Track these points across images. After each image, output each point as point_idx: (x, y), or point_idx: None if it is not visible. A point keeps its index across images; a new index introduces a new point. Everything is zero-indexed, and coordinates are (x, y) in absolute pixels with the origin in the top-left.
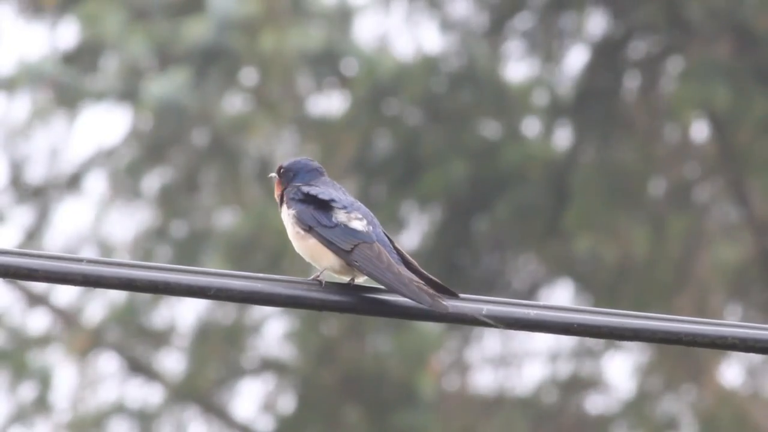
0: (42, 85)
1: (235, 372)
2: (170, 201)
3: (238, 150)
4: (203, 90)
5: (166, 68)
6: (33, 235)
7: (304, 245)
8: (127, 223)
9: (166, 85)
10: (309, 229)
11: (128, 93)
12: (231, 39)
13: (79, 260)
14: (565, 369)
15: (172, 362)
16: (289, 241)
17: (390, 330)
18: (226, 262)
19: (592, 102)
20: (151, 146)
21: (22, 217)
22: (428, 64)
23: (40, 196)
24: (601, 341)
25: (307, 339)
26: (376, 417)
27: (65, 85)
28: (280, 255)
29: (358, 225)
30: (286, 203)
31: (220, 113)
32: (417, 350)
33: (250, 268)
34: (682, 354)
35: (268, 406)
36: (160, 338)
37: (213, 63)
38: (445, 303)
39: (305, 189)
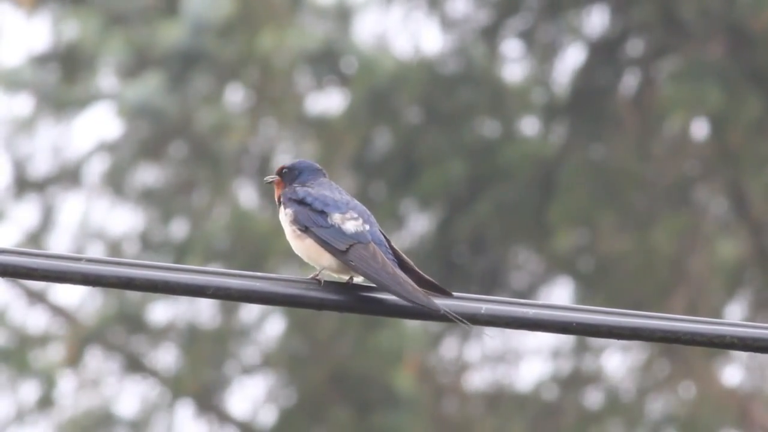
0: (24, 92)
1: (228, 371)
2: (159, 203)
3: (223, 152)
4: (183, 93)
5: (143, 72)
6: (34, 234)
7: (301, 245)
8: (118, 224)
9: (140, 89)
10: (305, 230)
11: (111, 98)
12: (207, 42)
13: (78, 259)
14: (562, 366)
15: (168, 360)
16: (274, 242)
17: (372, 328)
18: (207, 264)
19: (589, 101)
20: (133, 149)
21: (23, 214)
22: (426, 64)
23: (41, 193)
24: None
25: (295, 338)
26: (360, 416)
27: (47, 92)
28: (263, 257)
29: (353, 226)
30: (284, 203)
31: (203, 116)
32: (395, 347)
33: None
34: (680, 351)
35: (262, 404)
36: (155, 336)
37: (192, 66)
38: (438, 303)
39: (301, 192)
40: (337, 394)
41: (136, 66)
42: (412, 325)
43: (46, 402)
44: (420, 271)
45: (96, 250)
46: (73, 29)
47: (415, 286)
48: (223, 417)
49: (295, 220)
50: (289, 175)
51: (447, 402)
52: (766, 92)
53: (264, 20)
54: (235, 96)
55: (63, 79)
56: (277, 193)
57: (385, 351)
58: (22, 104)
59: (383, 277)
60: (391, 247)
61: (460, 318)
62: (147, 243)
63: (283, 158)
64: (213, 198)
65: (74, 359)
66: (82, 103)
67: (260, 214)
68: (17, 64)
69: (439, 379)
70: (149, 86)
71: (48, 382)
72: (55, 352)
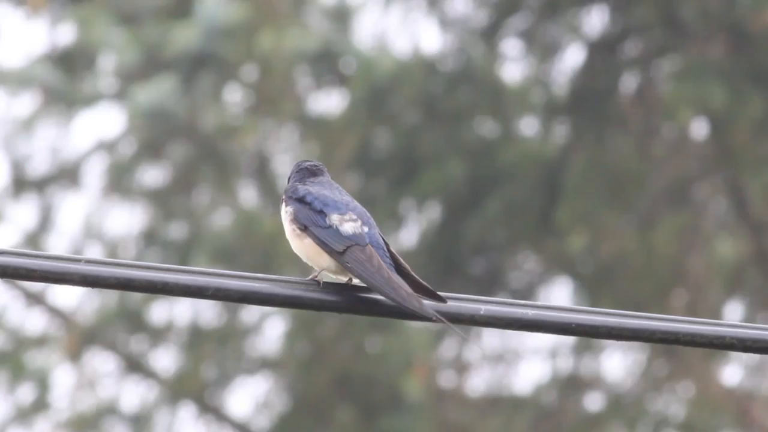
0: (32, 89)
1: (230, 371)
2: (162, 203)
3: (229, 153)
4: (192, 95)
5: (154, 74)
6: (33, 234)
7: (300, 244)
8: (119, 224)
9: (152, 92)
10: (305, 229)
11: (118, 97)
12: (219, 45)
13: (77, 260)
14: (561, 367)
15: (168, 361)
16: (280, 244)
17: (379, 332)
18: (213, 265)
19: (588, 100)
20: (142, 149)
21: (22, 214)
22: (426, 64)
23: (41, 193)
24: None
25: (300, 340)
26: (366, 419)
27: (55, 89)
28: (269, 258)
29: (350, 227)
30: (284, 201)
31: (210, 118)
32: (404, 353)
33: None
34: (680, 352)
35: (262, 406)
36: (156, 336)
37: (202, 69)
38: (431, 310)
39: (302, 190)
40: (340, 396)
41: (146, 67)
42: (418, 327)
43: (44, 403)
44: (416, 276)
45: (95, 251)
46: (80, 28)
47: (410, 291)
48: (224, 418)
49: (295, 219)
50: (292, 175)
51: (447, 403)
52: (767, 92)
53: (267, 21)
54: (234, 96)
55: (70, 78)
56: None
57: (391, 355)
58: (25, 104)
59: (378, 280)
60: (389, 251)
61: (452, 325)
62: (149, 243)
63: (282, 158)
64: (216, 198)
65: (73, 360)
66: (89, 101)
67: (265, 215)
68: (24, 63)
69: (439, 380)
70: (162, 89)
71: (43, 384)
72: (53, 354)
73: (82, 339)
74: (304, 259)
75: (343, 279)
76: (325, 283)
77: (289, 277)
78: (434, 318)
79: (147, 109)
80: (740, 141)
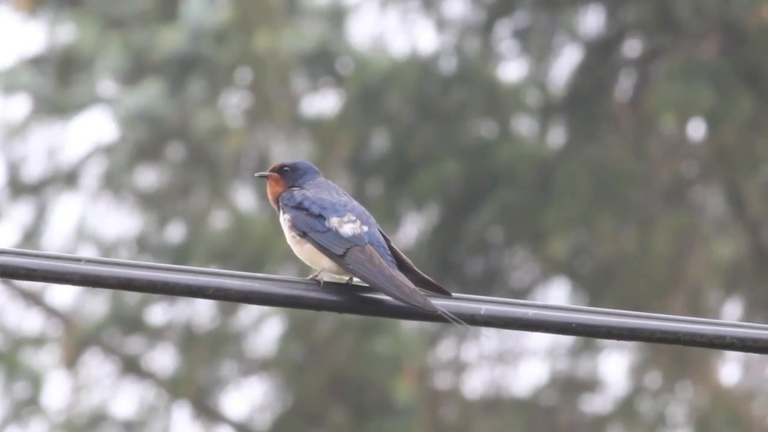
0: (19, 94)
1: (226, 373)
2: (152, 206)
3: (222, 157)
4: (182, 99)
5: (141, 77)
6: (28, 236)
7: (301, 250)
8: (113, 228)
9: (139, 97)
10: (303, 235)
11: (108, 102)
12: (206, 47)
13: (78, 260)
14: (560, 367)
15: (164, 362)
16: (272, 245)
17: (372, 334)
18: (207, 265)
19: (585, 101)
20: (130, 152)
21: (18, 217)
22: (421, 63)
23: (33, 196)
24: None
25: (294, 342)
26: (357, 421)
27: (44, 95)
28: (261, 259)
29: (349, 229)
30: (282, 208)
31: (202, 121)
32: (396, 355)
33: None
34: (679, 352)
35: (259, 407)
36: (152, 338)
37: (191, 72)
38: (435, 304)
39: (299, 196)
40: (334, 398)
41: (134, 71)
42: (411, 330)
43: (39, 404)
44: (419, 271)
45: (90, 254)
46: (70, 33)
47: (413, 287)
48: (220, 420)
49: (294, 226)
50: (291, 174)
51: (444, 404)
52: (758, 91)
53: (260, 22)
54: (231, 99)
55: (59, 83)
56: (271, 190)
57: (384, 358)
58: (18, 107)
59: (379, 279)
60: (390, 248)
61: (458, 319)
62: (143, 246)
63: (280, 159)
64: (210, 201)
65: (71, 361)
66: (78, 106)
67: (259, 216)
68: (13, 67)
69: (436, 381)
70: (148, 94)
71: (39, 385)
72: (50, 355)
73: (78, 344)
74: (307, 263)
75: (344, 279)
76: (325, 282)
77: (289, 276)
78: (438, 312)
79: (135, 114)
80: (733, 141)
